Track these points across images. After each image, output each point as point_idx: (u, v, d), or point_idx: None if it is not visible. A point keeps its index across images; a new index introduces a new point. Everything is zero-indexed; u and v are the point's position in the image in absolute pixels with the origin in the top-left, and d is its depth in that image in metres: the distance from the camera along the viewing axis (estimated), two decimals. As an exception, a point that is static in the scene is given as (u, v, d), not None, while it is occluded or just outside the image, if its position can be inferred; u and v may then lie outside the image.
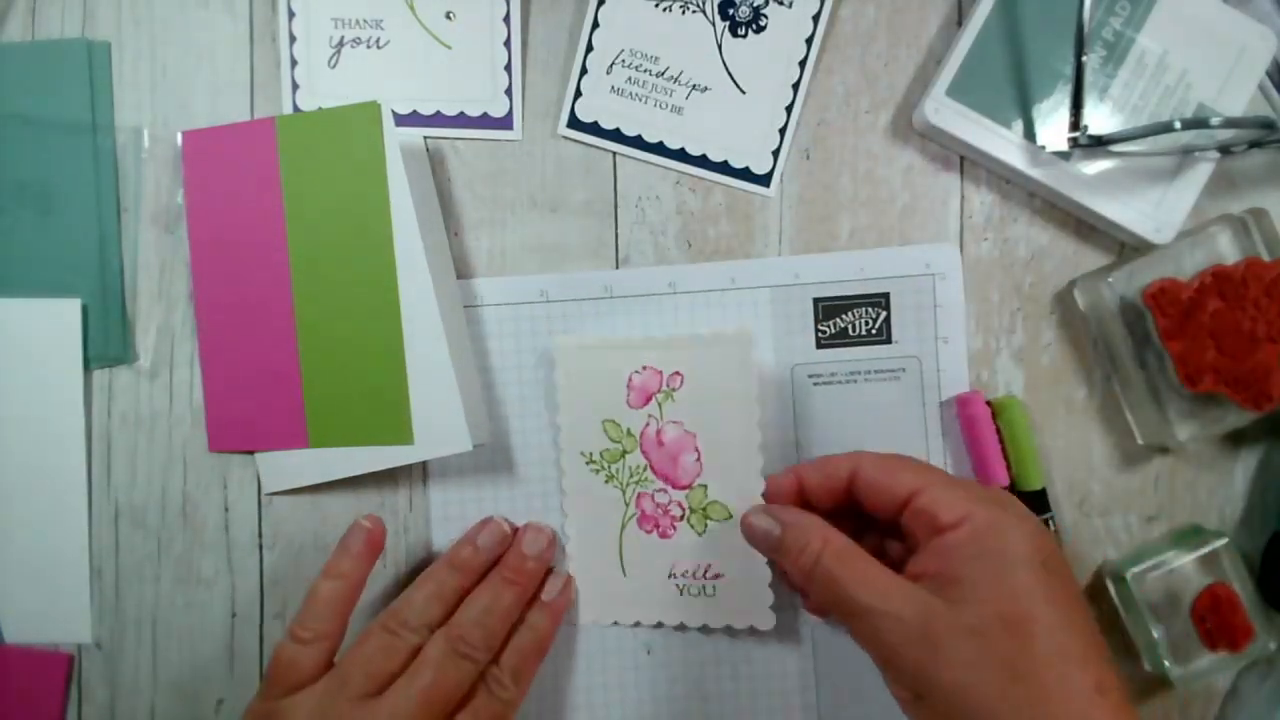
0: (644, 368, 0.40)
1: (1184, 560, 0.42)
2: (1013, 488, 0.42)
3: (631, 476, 0.41)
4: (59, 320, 0.40)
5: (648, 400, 0.40)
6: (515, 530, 0.41)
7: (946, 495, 0.33)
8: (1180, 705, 0.43)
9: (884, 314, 0.43)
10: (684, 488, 0.41)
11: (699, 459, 0.40)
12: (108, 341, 0.42)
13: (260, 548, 0.42)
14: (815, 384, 0.42)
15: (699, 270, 0.43)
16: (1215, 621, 0.41)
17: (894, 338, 0.43)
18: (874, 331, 0.43)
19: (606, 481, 0.41)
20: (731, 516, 0.40)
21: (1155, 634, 0.41)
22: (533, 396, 0.42)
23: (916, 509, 0.34)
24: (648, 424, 0.41)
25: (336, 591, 0.38)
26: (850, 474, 0.36)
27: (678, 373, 0.40)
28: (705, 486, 0.40)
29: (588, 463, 0.41)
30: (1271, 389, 0.40)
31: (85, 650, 0.42)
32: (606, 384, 0.41)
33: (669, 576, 0.41)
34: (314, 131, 0.39)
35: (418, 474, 0.42)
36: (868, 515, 0.37)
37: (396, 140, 0.39)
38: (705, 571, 0.41)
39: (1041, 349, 0.43)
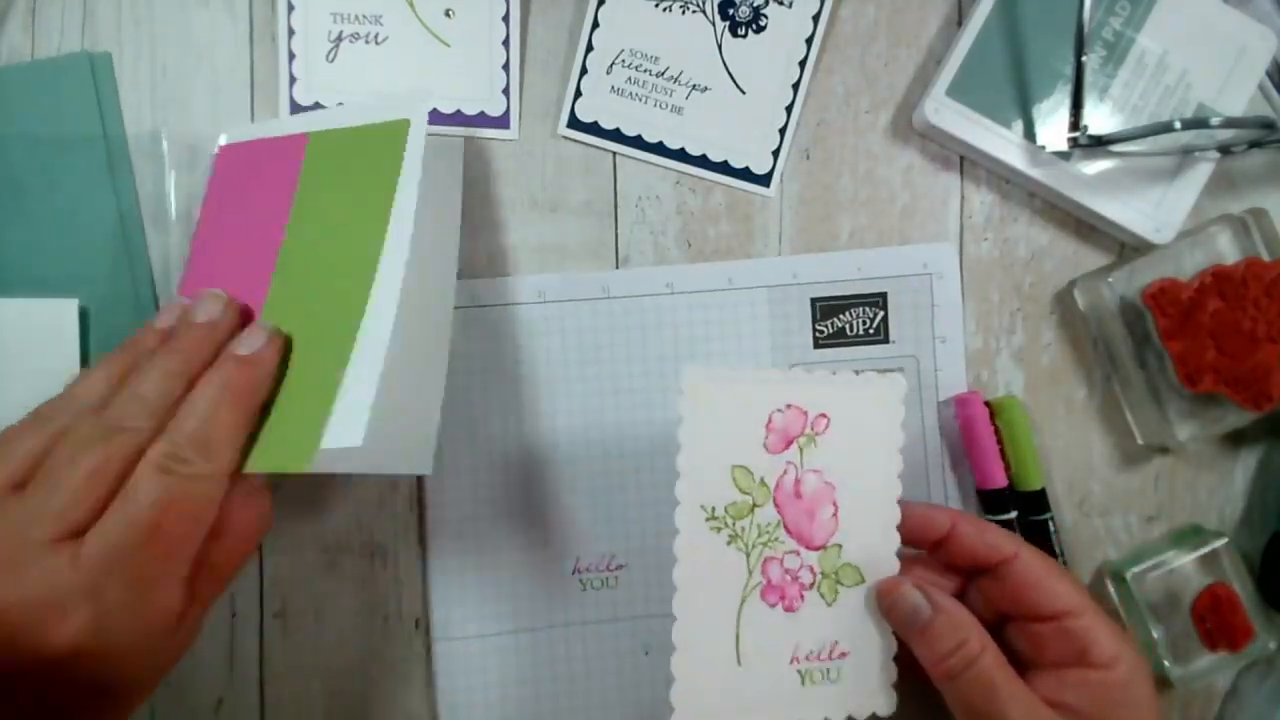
0: (788, 406, 0.34)
1: (1184, 560, 0.42)
2: (1012, 488, 0.42)
3: (760, 536, 0.35)
4: (56, 320, 0.40)
5: (788, 444, 0.35)
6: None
7: (1101, 627, 0.34)
8: (1180, 705, 0.43)
9: (881, 314, 0.43)
10: (817, 549, 0.35)
11: (835, 514, 0.35)
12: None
13: (259, 547, 0.42)
14: (814, 384, 0.42)
15: (696, 271, 0.43)
16: (1215, 621, 0.41)
17: (891, 337, 0.43)
18: (871, 331, 0.43)
19: (729, 543, 0.35)
20: (863, 580, 0.36)
21: (1155, 634, 0.41)
22: (529, 398, 0.42)
23: (1068, 629, 0.34)
24: (786, 472, 0.35)
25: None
26: (1007, 558, 0.36)
27: (824, 414, 0.35)
28: (840, 546, 0.36)
29: (708, 519, 0.34)
30: (1271, 389, 0.40)
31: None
32: (741, 423, 0.35)
33: (790, 662, 0.35)
34: (342, 147, 0.38)
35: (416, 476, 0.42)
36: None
37: (419, 156, 0.35)
38: (831, 651, 0.36)
39: (1041, 349, 0.43)
